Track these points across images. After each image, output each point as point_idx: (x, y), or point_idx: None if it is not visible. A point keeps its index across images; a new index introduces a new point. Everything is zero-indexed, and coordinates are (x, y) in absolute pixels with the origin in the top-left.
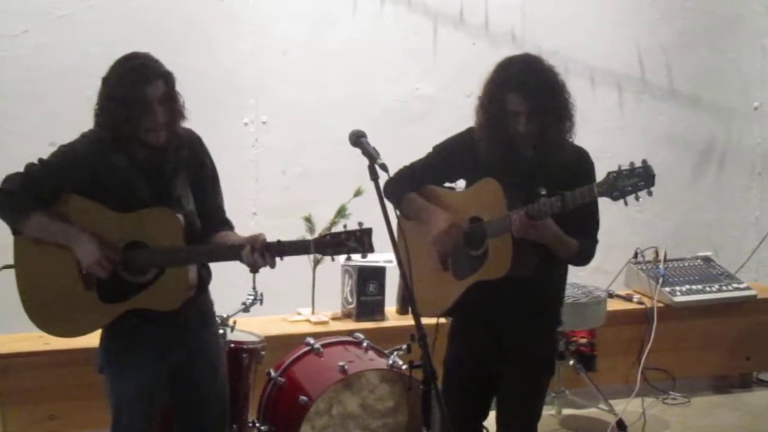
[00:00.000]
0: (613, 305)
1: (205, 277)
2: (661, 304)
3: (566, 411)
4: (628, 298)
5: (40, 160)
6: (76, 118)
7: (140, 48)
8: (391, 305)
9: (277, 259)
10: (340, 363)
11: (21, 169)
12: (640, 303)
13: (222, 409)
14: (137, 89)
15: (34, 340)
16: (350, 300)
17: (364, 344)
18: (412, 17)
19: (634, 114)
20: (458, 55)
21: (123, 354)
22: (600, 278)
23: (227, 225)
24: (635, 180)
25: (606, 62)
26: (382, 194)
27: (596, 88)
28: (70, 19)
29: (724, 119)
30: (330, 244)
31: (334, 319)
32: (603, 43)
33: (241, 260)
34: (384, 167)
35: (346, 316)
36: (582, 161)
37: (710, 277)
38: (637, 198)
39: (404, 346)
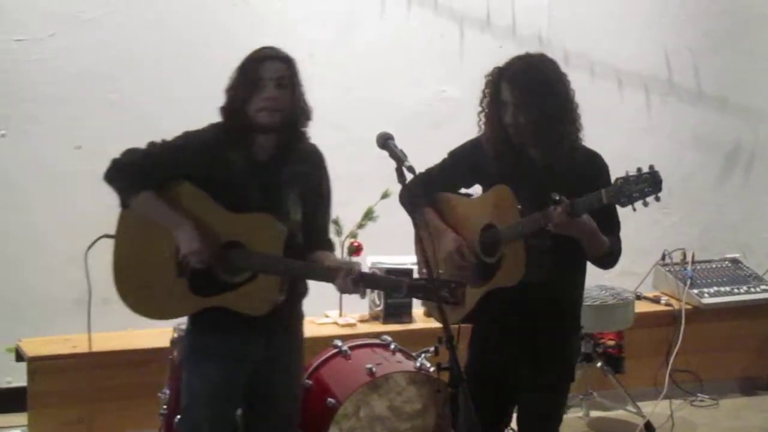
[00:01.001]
0: (641, 307)
1: (300, 289)
2: (689, 306)
3: (594, 413)
4: (655, 300)
5: (164, 141)
6: (101, 121)
7: (166, 51)
8: (418, 307)
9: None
10: (368, 365)
11: (55, 171)
12: (667, 305)
13: (293, 411)
14: (253, 68)
15: (62, 343)
16: (378, 302)
17: (392, 346)
18: (438, 20)
19: (660, 116)
20: (485, 58)
21: (205, 351)
22: (628, 280)
23: (328, 246)
24: (642, 186)
25: (633, 64)
26: (400, 201)
27: (623, 90)
28: (96, 23)
29: (751, 121)
30: (422, 289)
31: (362, 321)
32: (630, 45)
33: (334, 283)
34: (411, 169)
35: (374, 318)
36: (595, 165)
37: (738, 278)
38: (645, 204)
39: (432, 349)
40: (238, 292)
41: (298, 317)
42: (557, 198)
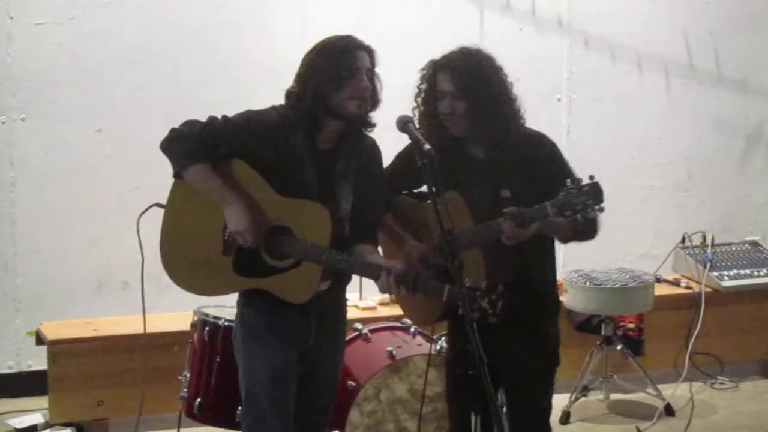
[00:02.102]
0: (661, 290)
1: (343, 278)
2: (709, 289)
3: (614, 396)
4: (675, 283)
5: (224, 117)
6: (122, 104)
7: (187, 34)
8: None
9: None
10: (388, 348)
11: (76, 155)
12: (687, 288)
13: (333, 390)
14: (347, 56)
15: (83, 326)
16: None
17: (412, 329)
18: (458, 3)
19: (681, 99)
20: (505, 42)
21: (263, 335)
22: (648, 263)
23: (373, 241)
24: (584, 198)
25: (653, 48)
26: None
27: (643, 73)
28: (116, 6)
29: None
30: (461, 296)
31: (382, 304)
32: (650, 28)
33: (376, 281)
34: (430, 152)
35: (394, 301)
36: (537, 145)
37: (758, 261)
38: (590, 215)
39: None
40: (281, 277)
41: (342, 303)
42: (507, 195)
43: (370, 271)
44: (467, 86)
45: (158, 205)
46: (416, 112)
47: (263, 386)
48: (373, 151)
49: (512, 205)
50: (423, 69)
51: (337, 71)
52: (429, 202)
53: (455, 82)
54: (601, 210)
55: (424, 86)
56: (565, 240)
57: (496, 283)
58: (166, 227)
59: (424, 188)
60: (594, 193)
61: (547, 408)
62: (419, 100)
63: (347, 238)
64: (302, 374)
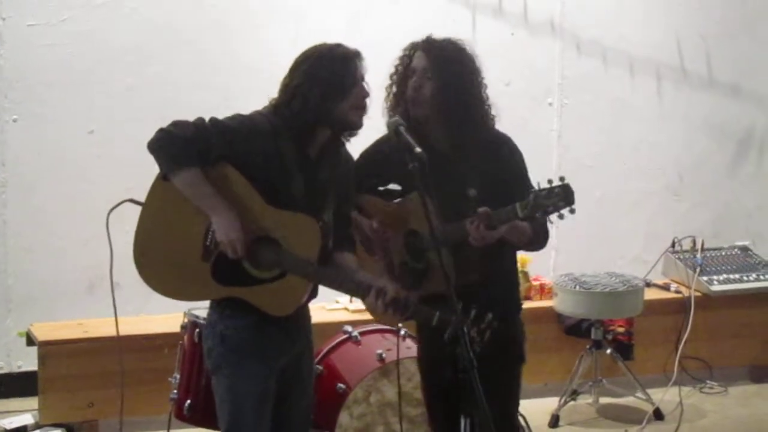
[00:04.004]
0: (651, 294)
1: (317, 288)
2: (698, 294)
3: (603, 400)
4: (665, 288)
5: (214, 119)
6: (114, 105)
7: (179, 36)
8: None
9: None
10: (378, 351)
11: (68, 156)
12: (677, 292)
13: (312, 400)
14: (349, 65)
15: (74, 327)
16: None
17: (402, 332)
18: (450, 7)
19: (673, 103)
20: (497, 46)
21: (244, 354)
22: (638, 267)
23: (353, 248)
24: (555, 200)
25: (645, 51)
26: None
27: (635, 77)
28: (109, 8)
29: (764, 108)
30: (453, 322)
31: None
32: (642, 32)
33: (363, 301)
34: (422, 155)
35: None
36: (502, 148)
37: (748, 266)
38: (560, 217)
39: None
40: (263, 288)
41: (307, 309)
42: (473, 194)
43: (359, 291)
44: (439, 67)
45: (132, 201)
46: (389, 91)
47: (249, 406)
48: (348, 159)
49: (477, 205)
50: (404, 49)
51: (340, 81)
52: (396, 201)
53: (429, 61)
54: (572, 212)
55: (400, 67)
56: (519, 247)
57: (483, 311)
58: (143, 226)
59: (391, 186)
60: (565, 194)
61: (516, 403)
62: (394, 78)
63: (330, 249)
64: (285, 384)
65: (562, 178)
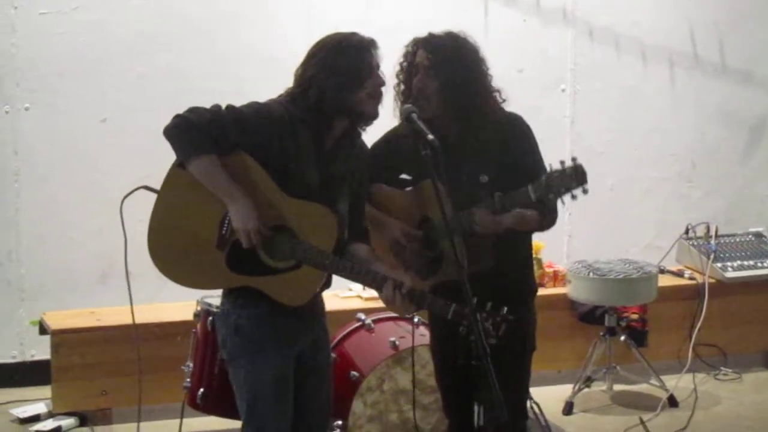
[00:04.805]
0: (665, 281)
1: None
2: (712, 280)
3: (617, 387)
4: (679, 274)
5: (231, 107)
6: (126, 94)
7: (191, 25)
8: None
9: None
10: (392, 338)
11: (80, 145)
12: (691, 279)
13: (330, 388)
14: (365, 55)
15: (87, 316)
16: None
17: (415, 320)
18: None
19: (685, 90)
20: (509, 33)
21: (258, 343)
22: (651, 254)
23: (367, 239)
24: (567, 180)
25: (657, 38)
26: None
27: (648, 64)
28: None
29: None
30: (466, 316)
31: None
32: (654, 19)
33: (379, 293)
34: (434, 142)
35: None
36: (512, 128)
37: (762, 252)
38: (573, 197)
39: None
40: (278, 278)
41: (320, 296)
42: (485, 180)
43: (375, 282)
44: (440, 65)
45: (147, 188)
46: (397, 89)
47: (268, 395)
48: (363, 149)
49: (491, 191)
50: (407, 45)
51: (356, 71)
52: (408, 189)
53: (431, 59)
54: (585, 192)
55: (405, 63)
56: (531, 231)
57: (498, 305)
58: (157, 214)
59: (402, 176)
60: (576, 174)
61: (525, 392)
62: (400, 77)
63: (345, 240)
64: (303, 372)
65: (574, 159)
